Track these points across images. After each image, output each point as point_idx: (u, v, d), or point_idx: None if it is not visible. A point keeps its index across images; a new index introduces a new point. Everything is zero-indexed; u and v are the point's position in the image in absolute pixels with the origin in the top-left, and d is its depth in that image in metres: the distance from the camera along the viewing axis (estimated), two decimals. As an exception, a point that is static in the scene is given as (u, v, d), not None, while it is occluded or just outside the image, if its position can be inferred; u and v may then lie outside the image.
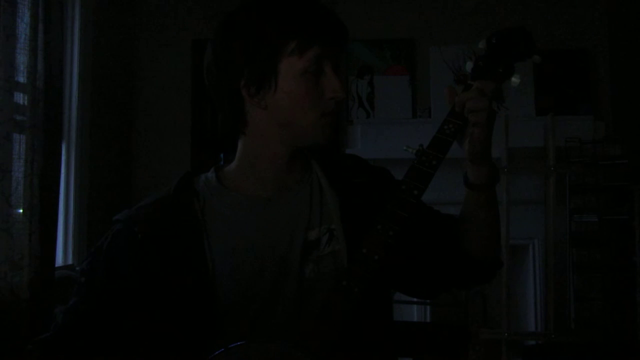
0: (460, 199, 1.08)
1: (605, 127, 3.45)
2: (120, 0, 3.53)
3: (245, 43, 0.98)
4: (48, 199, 2.33)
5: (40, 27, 2.31)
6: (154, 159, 3.58)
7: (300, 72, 0.98)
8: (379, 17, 3.63)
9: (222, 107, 1.05)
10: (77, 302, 1.01)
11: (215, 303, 0.98)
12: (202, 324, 0.98)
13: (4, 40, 2.18)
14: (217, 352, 0.89)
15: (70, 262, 2.85)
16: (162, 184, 1.08)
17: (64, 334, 1.00)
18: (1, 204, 2.18)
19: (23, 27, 2.27)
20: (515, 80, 1.03)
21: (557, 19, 3.56)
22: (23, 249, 2.21)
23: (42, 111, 2.32)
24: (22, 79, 2.29)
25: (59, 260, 2.71)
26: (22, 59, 2.27)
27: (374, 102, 3.60)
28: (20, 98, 2.32)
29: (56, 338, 1.00)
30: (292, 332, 0.94)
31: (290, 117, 1.00)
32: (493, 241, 1.11)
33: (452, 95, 1.02)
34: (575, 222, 3.23)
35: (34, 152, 2.27)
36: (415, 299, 2.84)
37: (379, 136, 3.44)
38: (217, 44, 1.02)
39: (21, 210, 2.25)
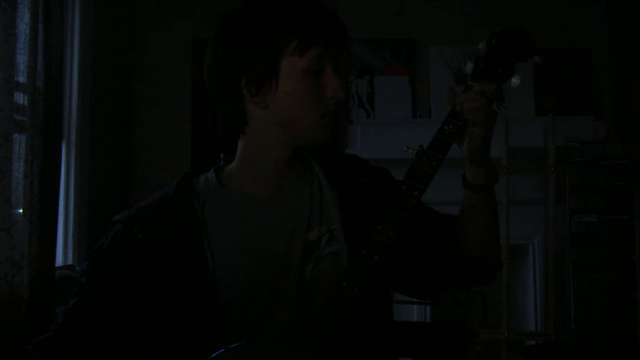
0: (460, 199, 1.08)
1: (605, 127, 3.45)
2: (120, 0, 3.53)
3: (246, 43, 0.98)
4: (48, 199, 2.33)
5: (40, 27, 2.31)
6: (154, 159, 3.58)
7: (301, 72, 0.98)
8: (379, 17, 3.63)
9: (222, 107, 1.05)
10: (77, 302, 1.01)
11: (215, 303, 0.98)
12: (202, 324, 0.97)
13: (4, 40, 2.18)
14: (217, 352, 0.89)
15: (70, 262, 2.85)
16: (162, 184, 1.08)
17: (64, 334, 1.00)
18: (1, 204, 2.18)
19: (23, 27, 2.27)
20: (515, 81, 1.03)
21: (557, 19, 3.56)
22: (23, 249, 2.21)
23: (42, 111, 2.32)
24: (22, 79, 2.28)
25: (59, 260, 2.71)
26: (22, 59, 2.26)
27: (374, 102, 3.60)
28: (20, 98, 2.32)
29: (56, 338, 1.00)
30: (292, 332, 0.94)
31: (291, 116, 1.00)
32: (492, 242, 1.10)
33: (452, 96, 1.02)
34: (575, 222, 3.23)
35: (34, 152, 2.27)
36: (415, 299, 2.85)
37: (379, 136, 3.44)
38: (218, 44, 1.02)
39: (21, 210, 2.25)
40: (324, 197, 1.06)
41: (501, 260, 1.16)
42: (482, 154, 1.00)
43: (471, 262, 1.10)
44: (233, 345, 0.90)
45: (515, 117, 3.04)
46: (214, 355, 0.89)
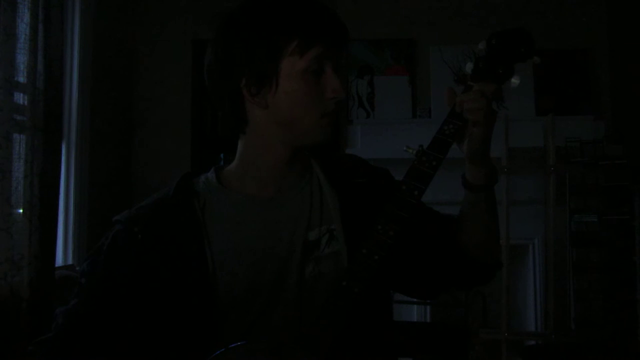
0: (460, 199, 1.08)
1: (605, 127, 3.45)
2: (120, 0, 3.53)
3: (246, 42, 0.98)
4: (48, 199, 2.33)
5: (40, 27, 2.31)
6: (154, 159, 3.58)
7: (301, 72, 0.98)
8: (379, 17, 3.63)
9: (222, 107, 1.05)
10: (77, 303, 1.01)
11: (215, 303, 0.98)
12: (203, 324, 0.97)
13: (4, 40, 2.18)
14: (217, 352, 0.89)
15: (70, 262, 2.85)
16: (162, 184, 1.08)
17: (64, 335, 0.99)
18: (1, 204, 2.18)
19: (23, 27, 2.27)
20: (515, 81, 1.03)
21: (557, 19, 3.57)
22: (23, 249, 2.21)
23: (42, 111, 2.32)
24: (22, 79, 2.28)
25: (59, 260, 2.71)
26: (22, 59, 2.27)
27: (374, 102, 3.60)
28: (20, 98, 2.32)
29: (57, 339, 1.00)
30: (292, 332, 0.94)
31: (291, 116, 1.00)
32: (492, 242, 1.10)
33: (452, 96, 1.02)
34: (575, 222, 3.23)
35: (34, 152, 2.27)
36: (415, 299, 2.85)
37: (379, 136, 3.44)
38: (218, 44, 1.02)
39: (21, 210, 2.25)
40: (324, 197, 1.06)
41: (501, 260, 1.16)
42: (482, 154, 1.01)
43: (470, 262, 1.10)
44: (233, 345, 0.90)
45: (515, 117, 3.05)
46: (214, 355, 0.89)
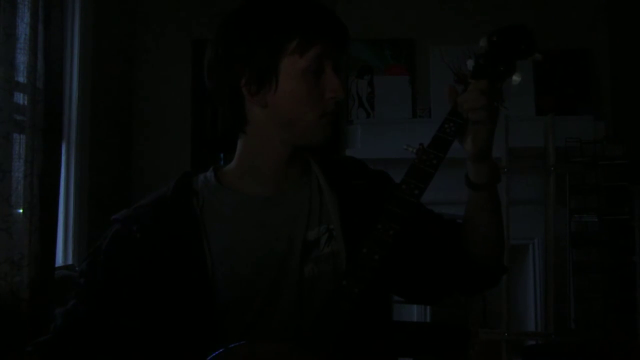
0: (460, 199, 1.07)
1: (605, 127, 3.45)
2: (120, 0, 3.53)
3: (247, 42, 0.98)
4: (48, 199, 2.33)
5: (40, 27, 2.31)
6: (154, 159, 3.58)
7: (300, 71, 0.98)
8: (379, 17, 3.63)
9: (222, 106, 1.05)
10: (76, 303, 1.01)
11: (214, 303, 0.98)
12: (202, 323, 0.97)
13: (4, 40, 2.18)
14: (217, 352, 0.89)
15: (70, 262, 2.85)
16: (162, 184, 1.08)
17: (64, 336, 0.99)
18: (1, 204, 2.17)
19: (23, 27, 2.26)
20: (516, 78, 1.03)
21: (557, 19, 3.56)
22: (23, 249, 2.21)
23: (42, 111, 2.31)
24: (22, 79, 2.28)
25: (59, 260, 2.71)
26: (22, 59, 2.26)
27: (374, 102, 3.60)
28: (20, 98, 2.32)
29: (56, 340, 0.99)
30: (292, 331, 0.94)
31: (291, 116, 1.00)
32: (497, 245, 1.09)
33: (452, 93, 1.01)
34: (575, 222, 3.23)
35: (34, 152, 2.26)
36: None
37: (379, 136, 3.43)
38: (219, 42, 1.02)
39: (21, 210, 2.24)
40: (323, 197, 1.06)
41: (505, 265, 1.15)
42: (486, 152, 1.00)
43: (475, 267, 1.09)
44: (233, 345, 0.90)
45: (515, 117, 3.04)
46: (214, 355, 0.89)
